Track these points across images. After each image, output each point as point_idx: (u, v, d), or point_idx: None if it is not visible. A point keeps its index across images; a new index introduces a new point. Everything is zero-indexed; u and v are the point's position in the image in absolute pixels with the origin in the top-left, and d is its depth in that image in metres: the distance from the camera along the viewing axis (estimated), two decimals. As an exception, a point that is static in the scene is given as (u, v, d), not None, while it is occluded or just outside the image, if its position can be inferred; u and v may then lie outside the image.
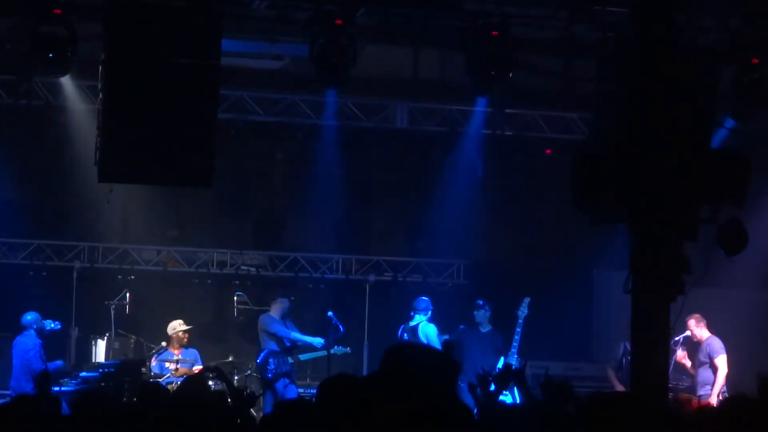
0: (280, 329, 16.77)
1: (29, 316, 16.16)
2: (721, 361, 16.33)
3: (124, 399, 14.42)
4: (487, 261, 19.21)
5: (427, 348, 4.77)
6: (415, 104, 18.32)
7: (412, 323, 16.89)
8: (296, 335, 16.84)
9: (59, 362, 16.33)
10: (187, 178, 14.08)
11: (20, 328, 16.16)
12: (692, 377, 16.72)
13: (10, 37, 15.33)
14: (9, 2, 15.33)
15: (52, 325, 16.22)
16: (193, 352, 16.87)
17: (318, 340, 16.77)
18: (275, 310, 17.03)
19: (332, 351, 16.76)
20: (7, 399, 14.65)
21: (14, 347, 16.13)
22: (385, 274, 19.15)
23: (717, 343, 16.54)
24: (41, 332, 16.12)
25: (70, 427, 7.24)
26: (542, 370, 16.62)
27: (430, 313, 16.92)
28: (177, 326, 16.93)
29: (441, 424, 4.51)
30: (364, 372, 17.42)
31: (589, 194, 10.58)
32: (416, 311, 16.88)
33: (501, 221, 19.07)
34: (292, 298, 17.39)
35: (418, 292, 17.62)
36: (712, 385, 16.27)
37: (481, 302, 17.11)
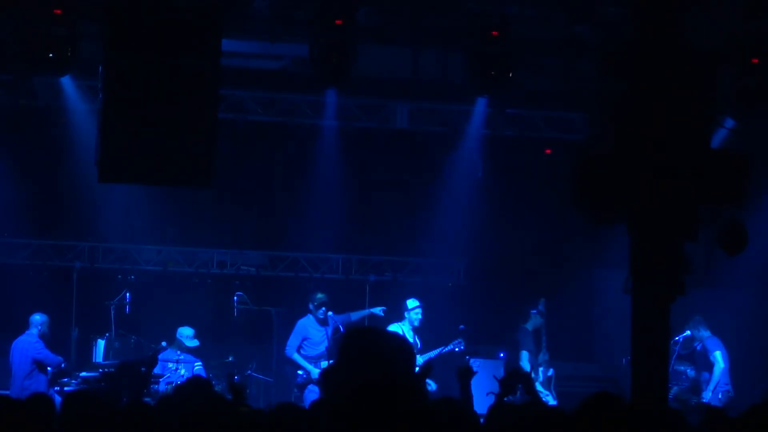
0: (293, 342, 16.69)
1: (38, 317, 16.14)
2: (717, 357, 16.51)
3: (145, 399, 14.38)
4: (487, 261, 19.19)
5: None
6: (415, 104, 18.30)
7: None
8: (296, 357, 16.63)
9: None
10: (187, 178, 14.05)
11: (20, 328, 16.16)
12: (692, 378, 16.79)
13: (10, 37, 15.30)
14: (9, 2, 15.32)
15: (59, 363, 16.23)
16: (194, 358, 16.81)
17: (315, 371, 16.57)
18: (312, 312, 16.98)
19: (372, 310, 17.09)
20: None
21: (15, 347, 16.09)
22: (385, 274, 19.15)
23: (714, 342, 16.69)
24: (44, 336, 16.11)
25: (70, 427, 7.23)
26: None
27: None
28: (185, 335, 16.78)
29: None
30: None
31: (589, 194, 10.59)
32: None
33: (501, 221, 19.04)
34: (320, 295, 17.03)
35: (418, 292, 17.60)
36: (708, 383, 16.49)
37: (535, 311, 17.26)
